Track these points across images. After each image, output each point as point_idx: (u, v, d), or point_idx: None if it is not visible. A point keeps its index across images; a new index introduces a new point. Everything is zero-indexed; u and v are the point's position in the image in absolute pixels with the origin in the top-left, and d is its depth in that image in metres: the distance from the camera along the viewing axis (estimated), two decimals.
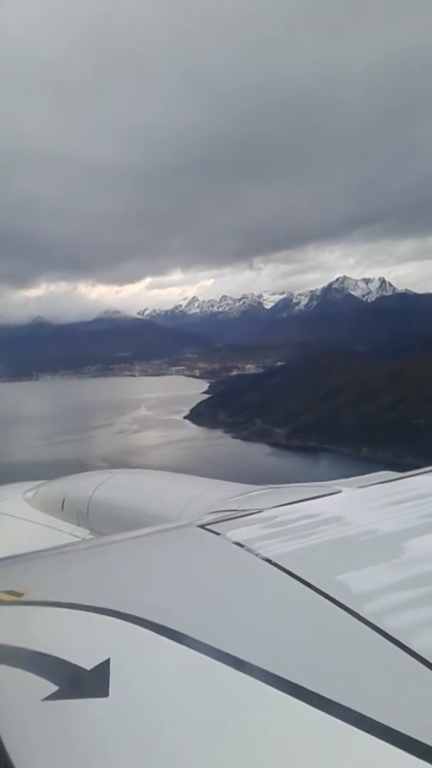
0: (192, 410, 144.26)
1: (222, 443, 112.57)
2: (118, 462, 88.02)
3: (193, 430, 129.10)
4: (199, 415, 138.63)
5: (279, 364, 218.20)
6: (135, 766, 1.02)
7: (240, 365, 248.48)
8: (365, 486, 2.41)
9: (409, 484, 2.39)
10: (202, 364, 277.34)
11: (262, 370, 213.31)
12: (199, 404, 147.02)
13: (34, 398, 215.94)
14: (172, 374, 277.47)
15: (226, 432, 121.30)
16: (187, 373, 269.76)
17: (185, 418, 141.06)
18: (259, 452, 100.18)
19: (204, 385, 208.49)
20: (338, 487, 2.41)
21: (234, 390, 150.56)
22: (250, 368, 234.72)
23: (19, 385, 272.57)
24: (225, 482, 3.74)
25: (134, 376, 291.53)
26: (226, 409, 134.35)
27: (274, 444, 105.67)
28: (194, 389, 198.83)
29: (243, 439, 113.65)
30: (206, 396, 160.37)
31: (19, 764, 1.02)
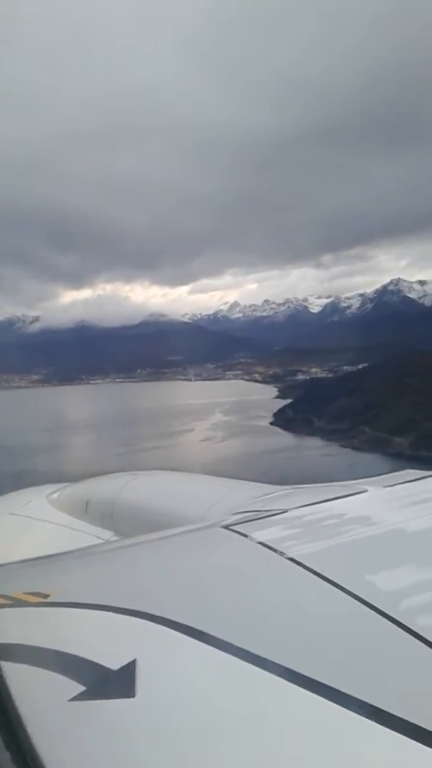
0: (277, 416, 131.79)
1: (331, 453, 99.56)
2: (221, 473, 76.10)
3: (287, 437, 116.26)
4: (288, 421, 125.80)
5: (347, 367, 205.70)
6: (161, 766, 1.02)
7: (304, 369, 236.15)
8: (391, 485, 2.43)
9: None
10: (260, 368, 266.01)
11: (331, 374, 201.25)
12: (283, 409, 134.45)
13: (93, 402, 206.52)
14: (229, 378, 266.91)
15: (328, 441, 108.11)
16: (246, 377, 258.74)
17: (272, 424, 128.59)
18: (384, 466, 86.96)
19: (272, 389, 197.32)
20: (363, 487, 2.44)
21: (318, 395, 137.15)
22: (317, 372, 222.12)
23: (71, 389, 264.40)
24: (249, 482, 3.79)
25: (189, 380, 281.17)
26: (320, 415, 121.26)
27: (397, 455, 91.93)
28: (263, 394, 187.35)
29: (354, 448, 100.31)
30: (284, 401, 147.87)
31: (48, 764, 1.03)
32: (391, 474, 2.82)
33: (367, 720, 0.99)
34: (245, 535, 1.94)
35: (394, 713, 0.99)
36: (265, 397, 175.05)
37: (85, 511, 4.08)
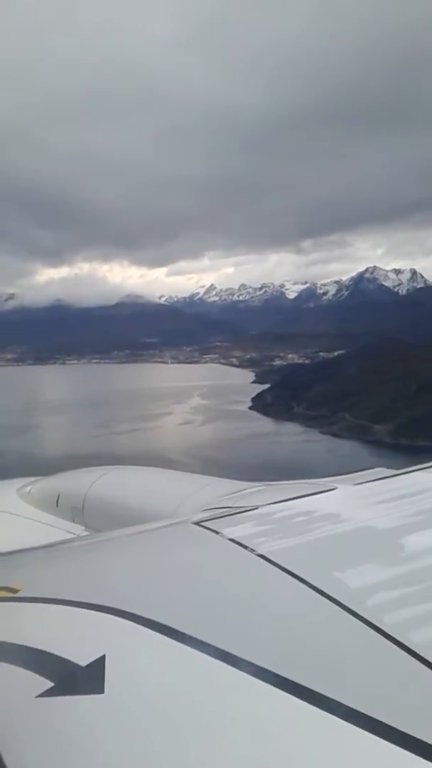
0: (255, 401, 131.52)
1: (311, 439, 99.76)
2: (204, 457, 76.08)
3: (267, 422, 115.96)
4: (266, 406, 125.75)
5: (323, 354, 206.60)
6: (129, 763, 1.02)
7: (281, 354, 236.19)
8: (360, 483, 2.46)
9: (403, 481, 2.46)
10: (236, 353, 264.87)
11: (308, 360, 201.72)
12: (261, 394, 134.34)
13: (69, 383, 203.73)
14: (206, 362, 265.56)
15: (307, 426, 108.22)
16: (223, 361, 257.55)
17: (251, 409, 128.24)
18: (363, 452, 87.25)
19: (249, 374, 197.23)
20: (333, 484, 2.47)
21: (296, 380, 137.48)
22: (293, 358, 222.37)
23: (46, 369, 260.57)
24: (220, 479, 3.79)
25: (166, 363, 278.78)
26: (299, 400, 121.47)
27: (376, 443, 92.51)
28: (240, 378, 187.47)
29: (334, 435, 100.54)
30: (261, 386, 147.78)
31: (12, 762, 1.01)
32: (360, 472, 2.82)
33: (334, 717, 1.00)
34: (216, 532, 1.94)
35: (360, 709, 1.00)
36: (243, 381, 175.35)
37: (56, 505, 4.06)
